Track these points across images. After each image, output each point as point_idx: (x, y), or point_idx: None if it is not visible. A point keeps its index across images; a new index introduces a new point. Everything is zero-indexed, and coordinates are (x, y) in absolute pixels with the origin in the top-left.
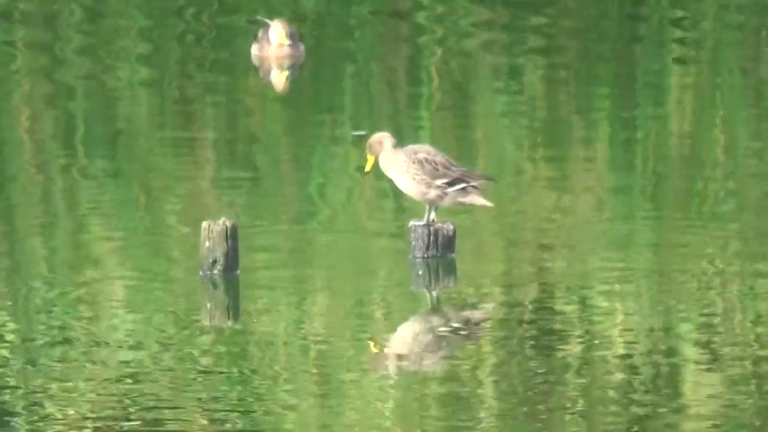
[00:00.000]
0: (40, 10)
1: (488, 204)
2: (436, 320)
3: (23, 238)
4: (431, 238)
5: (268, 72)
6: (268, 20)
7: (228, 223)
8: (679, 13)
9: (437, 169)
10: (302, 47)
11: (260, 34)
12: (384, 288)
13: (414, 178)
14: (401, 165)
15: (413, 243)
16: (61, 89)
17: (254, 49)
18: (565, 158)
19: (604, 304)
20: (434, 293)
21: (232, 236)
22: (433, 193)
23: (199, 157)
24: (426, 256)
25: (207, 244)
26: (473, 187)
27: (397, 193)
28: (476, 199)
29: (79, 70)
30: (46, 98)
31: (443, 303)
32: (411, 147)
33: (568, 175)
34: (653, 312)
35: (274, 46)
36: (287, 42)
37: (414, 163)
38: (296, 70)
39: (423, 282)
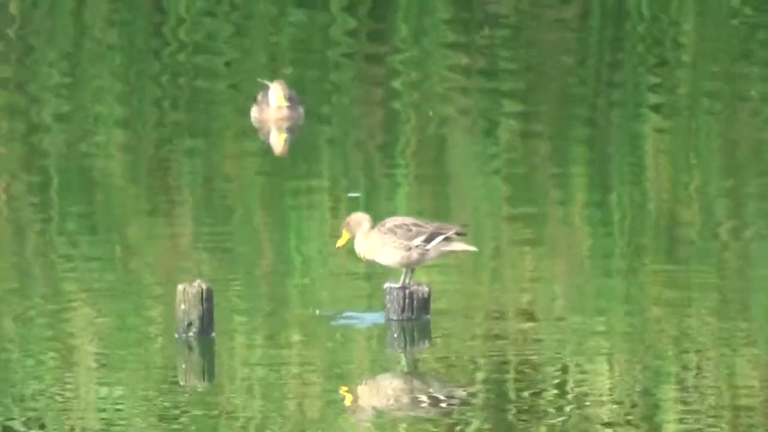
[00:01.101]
0: (17, 75)
1: (471, 248)
2: (410, 382)
3: None
4: (406, 300)
5: (268, 134)
6: (268, 82)
7: (203, 286)
8: (654, 80)
9: (410, 230)
10: (301, 110)
11: (260, 96)
12: (359, 350)
13: (392, 247)
14: (376, 243)
15: (388, 305)
16: (37, 153)
17: (254, 112)
18: (542, 219)
19: (585, 365)
20: (409, 355)
21: (207, 299)
22: (415, 254)
23: (176, 219)
24: (401, 318)
25: (182, 306)
26: (455, 234)
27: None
28: (459, 245)
29: (56, 135)
30: (22, 161)
31: (418, 365)
32: (379, 223)
33: (544, 236)
34: (634, 374)
35: (273, 109)
36: (286, 104)
37: (386, 234)
38: (295, 132)
39: (398, 344)
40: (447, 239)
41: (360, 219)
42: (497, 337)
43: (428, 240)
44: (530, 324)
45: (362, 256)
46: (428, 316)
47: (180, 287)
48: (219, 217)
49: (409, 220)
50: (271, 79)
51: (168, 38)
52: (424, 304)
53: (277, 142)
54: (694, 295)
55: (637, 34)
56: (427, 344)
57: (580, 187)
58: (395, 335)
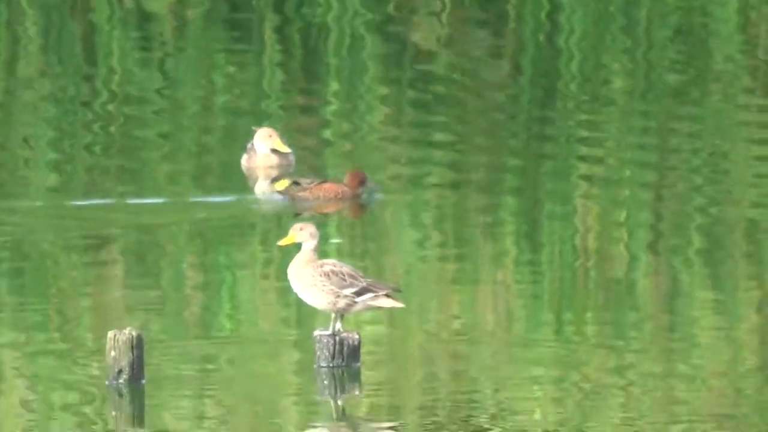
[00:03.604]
0: None
1: (399, 305)
2: (340, 430)
3: None
4: (336, 347)
5: (255, 182)
6: (256, 129)
7: (134, 333)
8: (585, 133)
9: (345, 280)
10: (292, 157)
11: (250, 144)
12: (289, 397)
13: (322, 290)
14: (308, 279)
15: (318, 352)
16: None
17: (243, 160)
18: (471, 270)
19: (518, 410)
20: (339, 402)
21: (137, 346)
22: (342, 302)
23: (107, 267)
24: (331, 365)
25: (113, 353)
26: (385, 295)
27: (303, 303)
28: (387, 302)
29: None
30: None
31: (348, 412)
32: (317, 261)
33: (474, 287)
34: (566, 413)
35: (261, 156)
36: (287, 149)
37: (321, 275)
38: (285, 179)
39: (328, 391)
40: (376, 296)
41: (314, 233)
42: (428, 384)
43: (358, 294)
44: (461, 371)
45: (289, 280)
46: (358, 364)
47: (110, 334)
48: (150, 265)
49: (347, 269)
50: (259, 125)
51: (99, 88)
52: (355, 351)
53: (268, 190)
54: (616, 343)
55: (570, 76)
56: (357, 392)
57: (510, 238)
58: (325, 382)
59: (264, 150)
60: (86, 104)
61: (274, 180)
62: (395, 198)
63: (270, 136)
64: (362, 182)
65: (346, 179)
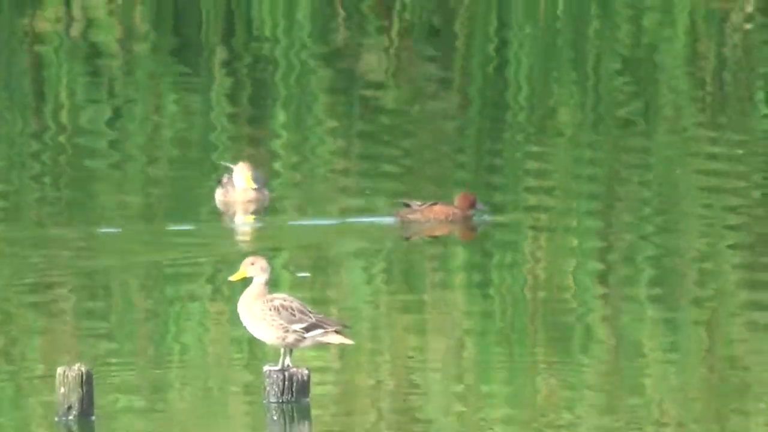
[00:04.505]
0: None
1: (349, 341)
2: None
3: None
4: (286, 383)
5: (233, 217)
6: (231, 164)
7: (83, 369)
8: (533, 164)
9: (294, 315)
10: (267, 192)
11: (225, 179)
12: None
13: (271, 324)
14: (257, 313)
15: (268, 388)
16: None
17: (218, 194)
18: (421, 306)
19: None
20: None
21: (87, 382)
22: (291, 338)
23: (56, 303)
24: (281, 400)
25: (62, 390)
26: (333, 331)
27: (252, 338)
28: (336, 338)
29: None
30: None
31: None
32: (267, 295)
33: (423, 322)
34: None
35: (239, 191)
36: (254, 186)
37: (270, 309)
38: (261, 214)
39: (277, 427)
40: (325, 332)
41: (264, 267)
42: (377, 419)
43: (308, 329)
44: (410, 408)
45: (239, 314)
46: (308, 399)
47: (59, 370)
48: (100, 300)
49: (296, 304)
50: (234, 162)
51: (47, 121)
52: (304, 386)
53: (244, 224)
54: (571, 376)
55: (518, 113)
56: (306, 427)
57: (459, 269)
58: (275, 418)
59: (242, 185)
60: (35, 136)
61: (251, 214)
62: (342, 228)
63: (247, 170)
64: (473, 204)
65: (457, 201)
